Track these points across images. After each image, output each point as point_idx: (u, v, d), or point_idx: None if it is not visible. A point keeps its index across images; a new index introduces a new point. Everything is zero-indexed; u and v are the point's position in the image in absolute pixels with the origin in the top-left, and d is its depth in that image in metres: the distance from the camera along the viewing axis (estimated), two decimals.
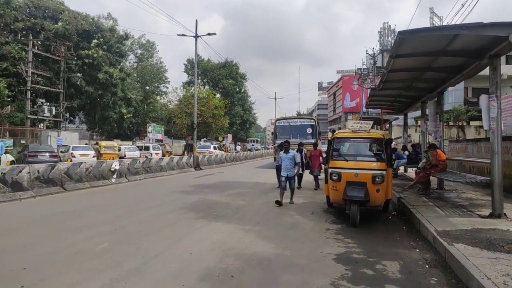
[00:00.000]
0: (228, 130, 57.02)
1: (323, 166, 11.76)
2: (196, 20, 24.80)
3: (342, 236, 6.39)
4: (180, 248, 5.66)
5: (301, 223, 7.49)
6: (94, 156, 22.47)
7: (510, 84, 32.54)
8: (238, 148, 50.04)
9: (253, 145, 61.26)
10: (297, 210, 8.82)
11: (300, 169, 11.68)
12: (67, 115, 39.14)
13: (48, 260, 5.07)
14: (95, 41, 39.58)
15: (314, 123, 23.50)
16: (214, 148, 35.94)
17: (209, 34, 24.64)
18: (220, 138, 47.67)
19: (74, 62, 35.99)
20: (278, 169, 11.24)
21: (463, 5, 13.83)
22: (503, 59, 29.30)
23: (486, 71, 7.63)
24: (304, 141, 17.32)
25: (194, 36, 24.72)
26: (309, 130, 22.95)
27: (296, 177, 10.10)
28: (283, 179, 9.47)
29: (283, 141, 10.90)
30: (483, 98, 7.26)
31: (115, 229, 6.92)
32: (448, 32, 7.08)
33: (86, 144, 29.17)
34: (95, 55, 36.69)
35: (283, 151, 9.74)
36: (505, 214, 6.65)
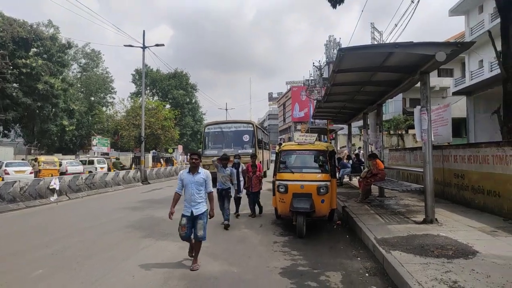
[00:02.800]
0: (178, 142, 55.99)
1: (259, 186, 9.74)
2: (144, 31, 24.30)
3: (289, 249, 6.49)
4: (123, 270, 5.42)
5: (249, 237, 7.50)
6: (31, 173, 20.98)
7: (442, 95, 35.36)
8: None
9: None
10: (246, 223, 8.83)
11: (236, 190, 9.19)
12: (1, 128, 36.25)
13: None
14: (34, 49, 37.21)
15: (253, 129, 19.07)
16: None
17: (157, 45, 24.23)
18: (170, 150, 46.62)
19: (9, 72, 33.54)
20: (221, 194, 8.74)
21: (396, 25, 14.91)
22: (435, 72, 31.44)
23: None
24: (240, 151, 14.98)
25: (141, 47, 24.16)
26: (246, 138, 18.72)
27: (211, 213, 5.76)
28: (184, 221, 5.49)
29: (222, 154, 9.40)
30: (416, 111, 7.82)
31: (52, 253, 6.49)
32: (383, 50, 7.56)
33: (22, 159, 27.17)
34: (33, 64, 34.45)
35: (187, 171, 5.72)
36: (436, 220, 7.15)
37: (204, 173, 5.70)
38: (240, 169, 9.66)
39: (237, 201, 9.80)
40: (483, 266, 4.57)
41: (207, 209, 5.65)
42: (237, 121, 20.23)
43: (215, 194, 6.84)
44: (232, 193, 8.98)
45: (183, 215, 5.53)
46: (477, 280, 4.14)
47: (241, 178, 9.67)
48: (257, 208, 9.92)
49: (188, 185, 5.59)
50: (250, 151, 16.92)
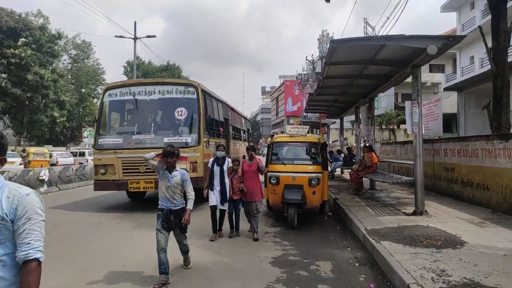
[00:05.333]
0: None
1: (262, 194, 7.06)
2: (135, 22, 24.22)
3: (280, 239, 6.53)
4: (113, 260, 5.40)
5: (241, 228, 7.48)
6: (21, 164, 20.74)
7: (434, 90, 35.60)
8: None
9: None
10: None
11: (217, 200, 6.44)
12: None
13: None
14: (23, 39, 36.58)
15: (196, 96, 9.86)
16: None
17: (148, 36, 24.06)
18: None
19: None
20: (167, 222, 4.69)
21: (388, 18, 14.95)
22: (426, 67, 31.62)
23: None
24: (167, 140, 9.12)
25: (133, 38, 23.93)
26: (182, 113, 9.80)
27: None
28: None
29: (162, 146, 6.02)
30: (407, 104, 7.87)
31: None
32: (375, 42, 7.59)
33: (12, 150, 26.81)
34: (22, 54, 33.86)
35: None
36: (426, 211, 7.24)
37: (12, 199, 1.63)
38: (225, 167, 6.66)
39: (220, 216, 6.83)
40: (471, 256, 4.64)
41: None
42: (166, 82, 10.69)
43: (154, 223, 4.41)
44: (215, 202, 6.54)
45: None
46: (465, 268, 4.21)
47: (227, 181, 6.63)
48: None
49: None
50: (188, 139, 9.53)
